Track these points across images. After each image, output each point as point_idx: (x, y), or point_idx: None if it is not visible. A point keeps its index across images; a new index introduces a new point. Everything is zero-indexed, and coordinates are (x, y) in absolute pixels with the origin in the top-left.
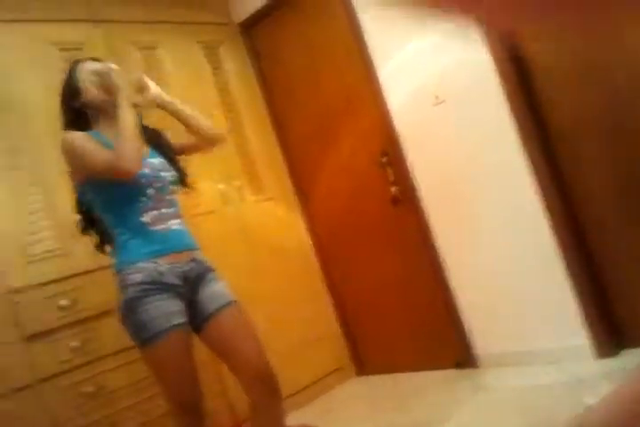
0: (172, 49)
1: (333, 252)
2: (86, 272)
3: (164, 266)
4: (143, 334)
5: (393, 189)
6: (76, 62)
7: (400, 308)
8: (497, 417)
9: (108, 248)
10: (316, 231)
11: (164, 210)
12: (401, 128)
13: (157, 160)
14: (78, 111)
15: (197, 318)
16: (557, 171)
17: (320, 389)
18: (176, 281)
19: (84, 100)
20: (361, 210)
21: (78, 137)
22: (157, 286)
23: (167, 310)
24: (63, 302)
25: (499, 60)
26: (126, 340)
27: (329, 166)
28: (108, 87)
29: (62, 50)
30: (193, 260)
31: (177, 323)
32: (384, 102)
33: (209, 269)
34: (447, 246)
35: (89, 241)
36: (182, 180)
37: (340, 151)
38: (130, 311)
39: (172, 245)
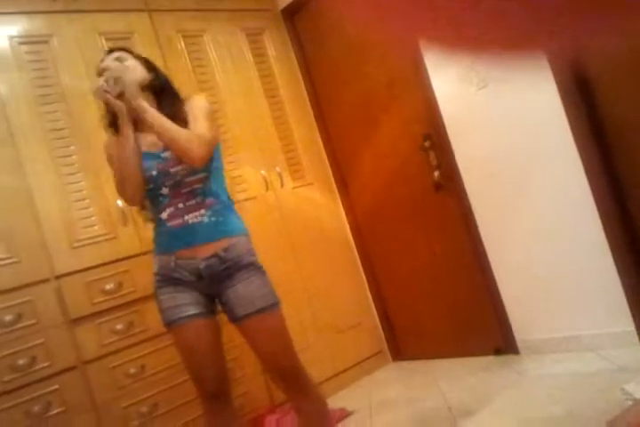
0: (217, 36)
1: (373, 237)
2: (131, 257)
3: (176, 261)
4: (163, 321)
5: (435, 173)
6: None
7: (440, 293)
8: (536, 404)
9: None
10: (355, 216)
11: (180, 205)
12: (445, 112)
13: (166, 154)
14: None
15: (228, 315)
16: (607, 157)
17: (358, 373)
18: (189, 277)
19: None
20: (402, 195)
21: (107, 143)
22: (168, 279)
23: (176, 303)
24: (108, 286)
25: None
26: None
27: (370, 151)
28: (118, 95)
29: (109, 39)
30: (215, 254)
31: (186, 315)
32: (429, 85)
33: (240, 266)
34: (490, 232)
35: (134, 226)
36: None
37: (382, 136)
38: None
39: (186, 240)
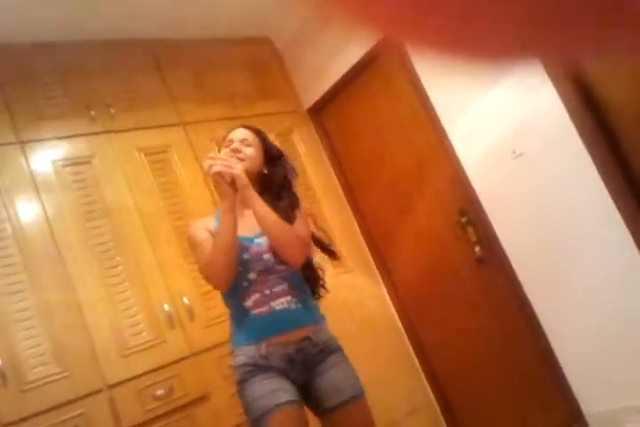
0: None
1: (420, 318)
2: (180, 360)
3: (266, 349)
4: (251, 416)
5: (477, 248)
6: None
7: (498, 372)
8: None
9: None
10: (399, 299)
11: (267, 291)
12: (478, 186)
13: (260, 240)
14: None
15: (317, 407)
16: None
17: None
18: (281, 364)
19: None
20: (445, 273)
21: (194, 225)
22: (260, 368)
23: (271, 389)
24: (159, 392)
25: (571, 105)
26: (222, 424)
27: (407, 232)
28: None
29: (148, 154)
30: (306, 338)
31: (283, 401)
32: (457, 162)
33: (331, 350)
34: (542, 303)
35: (181, 329)
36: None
37: (417, 216)
38: (239, 393)
39: (276, 327)
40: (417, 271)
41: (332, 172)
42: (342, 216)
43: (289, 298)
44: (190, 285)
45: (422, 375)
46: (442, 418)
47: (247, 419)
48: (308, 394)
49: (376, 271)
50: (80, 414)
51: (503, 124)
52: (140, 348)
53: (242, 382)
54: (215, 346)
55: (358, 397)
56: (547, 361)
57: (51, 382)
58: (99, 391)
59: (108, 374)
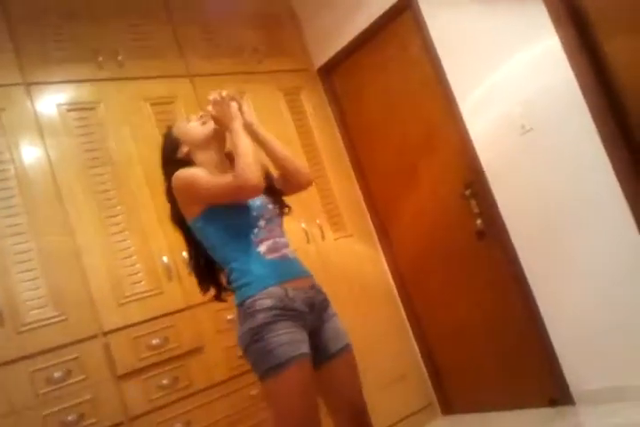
0: (255, 97)
1: (416, 286)
2: (176, 311)
3: (292, 291)
4: (270, 361)
5: (478, 221)
6: (169, 127)
7: (488, 343)
8: None
9: (225, 296)
10: (397, 266)
11: (276, 239)
12: (485, 159)
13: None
14: (182, 162)
15: (317, 355)
16: None
17: None
18: (304, 308)
19: (185, 145)
20: (444, 244)
21: (191, 169)
22: (288, 311)
23: (295, 338)
24: (154, 342)
25: (585, 82)
26: (214, 376)
27: (410, 201)
28: (222, 115)
29: (154, 104)
30: (312, 287)
31: (305, 352)
32: (466, 134)
33: (328, 301)
34: (538, 279)
35: (178, 281)
36: (285, 212)
37: (421, 185)
38: (257, 338)
39: (293, 271)
40: (416, 239)
41: (338, 134)
42: (345, 180)
43: (290, 249)
44: None
45: (414, 342)
46: (429, 384)
47: (259, 365)
48: (312, 341)
49: (375, 237)
50: (74, 358)
51: (515, 97)
52: (138, 297)
53: (266, 326)
54: (212, 300)
55: (350, 345)
56: (538, 336)
57: (47, 324)
58: (94, 337)
59: (104, 320)
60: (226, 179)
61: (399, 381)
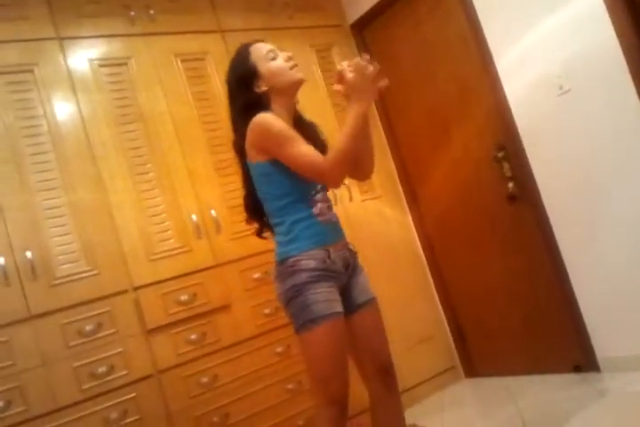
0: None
1: (443, 249)
2: (204, 269)
3: (334, 254)
4: (306, 316)
5: (510, 184)
6: (246, 45)
7: (516, 308)
8: (618, 425)
9: (266, 234)
10: (425, 228)
11: (327, 203)
12: (520, 121)
13: None
14: (254, 97)
15: (346, 307)
16: None
17: (430, 389)
18: (341, 269)
19: (266, 83)
20: (474, 207)
21: (279, 121)
22: (328, 273)
23: (332, 297)
24: (183, 298)
25: (626, 41)
26: (241, 333)
27: (440, 162)
28: (363, 88)
29: (184, 61)
30: (347, 246)
31: (339, 311)
32: (502, 94)
33: (357, 257)
34: (568, 245)
35: (207, 240)
36: None
37: (453, 146)
38: (297, 293)
39: (336, 234)
40: (446, 202)
41: None
42: (375, 140)
43: (335, 213)
44: (218, 197)
45: (439, 305)
46: (454, 347)
47: (297, 318)
48: (342, 297)
49: (404, 199)
50: (106, 312)
51: (553, 58)
52: (167, 254)
53: (306, 284)
54: (239, 259)
55: (376, 299)
56: (566, 301)
57: (79, 279)
58: (124, 292)
59: (134, 276)
60: (316, 157)
61: (424, 342)
